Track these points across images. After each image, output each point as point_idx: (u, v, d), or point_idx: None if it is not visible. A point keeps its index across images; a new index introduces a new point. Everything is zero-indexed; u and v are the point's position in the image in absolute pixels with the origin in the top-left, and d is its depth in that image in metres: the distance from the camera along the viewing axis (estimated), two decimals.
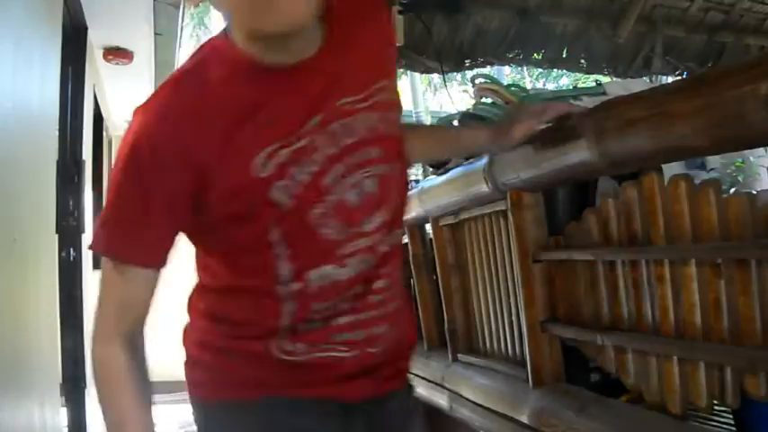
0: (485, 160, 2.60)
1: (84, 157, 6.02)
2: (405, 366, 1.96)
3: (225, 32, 1.61)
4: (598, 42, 5.23)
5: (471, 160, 2.82)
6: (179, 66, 1.66)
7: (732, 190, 3.58)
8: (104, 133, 9.34)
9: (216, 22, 15.36)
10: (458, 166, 3.02)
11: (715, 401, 1.82)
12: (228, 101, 1.57)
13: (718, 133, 1.60)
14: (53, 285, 4.57)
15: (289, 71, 1.59)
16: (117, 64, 7.44)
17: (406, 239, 3.85)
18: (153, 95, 1.65)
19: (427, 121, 10.45)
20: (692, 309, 1.84)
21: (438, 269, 3.29)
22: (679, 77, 5.50)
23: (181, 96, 1.59)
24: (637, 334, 2.02)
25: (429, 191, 3.27)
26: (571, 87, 10.24)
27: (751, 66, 1.51)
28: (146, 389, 1.79)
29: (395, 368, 1.89)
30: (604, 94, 2.96)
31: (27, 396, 3.38)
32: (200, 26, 16.30)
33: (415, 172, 10.63)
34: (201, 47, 1.67)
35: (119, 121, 10.33)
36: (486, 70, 5.64)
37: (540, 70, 13.82)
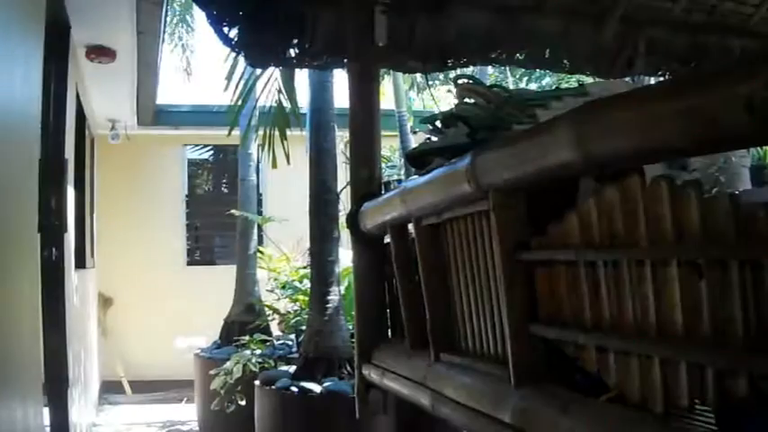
0: (467, 160, 2.60)
1: (66, 156, 6.02)
2: None
3: None
4: (580, 42, 5.24)
5: (454, 160, 2.83)
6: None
7: (714, 190, 3.59)
8: (86, 132, 9.34)
9: (199, 20, 15.31)
10: (440, 166, 3.03)
11: (696, 401, 1.83)
12: None
13: (700, 135, 1.60)
14: (35, 284, 4.56)
15: None
16: (100, 62, 7.45)
17: (387, 239, 3.86)
18: None
19: (410, 122, 10.45)
20: (673, 309, 1.84)
21: (420, 269, 3.29)
22: (662, 78, 5.52)
23: None
24: (618, 334, 2.03)
25: (411, 191, 3.27)
26: (554, 88, 10.27)
27: (733, 68, 1.52)
28: None
29: None
30: (587, 94, 2.96)
31: (9, 396, 3.38)
32: (181, 24, 16.20)
33: (397, 172, 10.67)
34: None
35: (101, 120, 10.33)
36: (469, 70, 5.65)
37: (522, 70, 13.81)
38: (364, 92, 4.38)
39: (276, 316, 8.89)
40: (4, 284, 3.40)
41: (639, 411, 1.93)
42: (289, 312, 8.57)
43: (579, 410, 2.12)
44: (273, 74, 7.67)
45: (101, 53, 7.28)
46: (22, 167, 3.94)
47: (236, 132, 8.82)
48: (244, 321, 8.91)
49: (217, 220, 12.66)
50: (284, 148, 7.85)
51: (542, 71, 12.10)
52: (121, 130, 10.85)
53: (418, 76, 9.76)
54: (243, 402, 7.10)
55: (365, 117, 4.36)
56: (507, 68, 12.48)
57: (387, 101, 9.89)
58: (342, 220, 6.28)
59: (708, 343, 1.76)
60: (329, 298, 6.35)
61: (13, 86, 3.65)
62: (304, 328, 7.02)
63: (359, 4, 4.37)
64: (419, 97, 15.59)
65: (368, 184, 4.24)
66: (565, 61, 5.36)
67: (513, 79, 15.39)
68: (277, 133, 7.86)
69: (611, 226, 2.04)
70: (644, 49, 5.31)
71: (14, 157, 3.70)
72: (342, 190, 6.82)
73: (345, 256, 6.88)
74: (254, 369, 7.09)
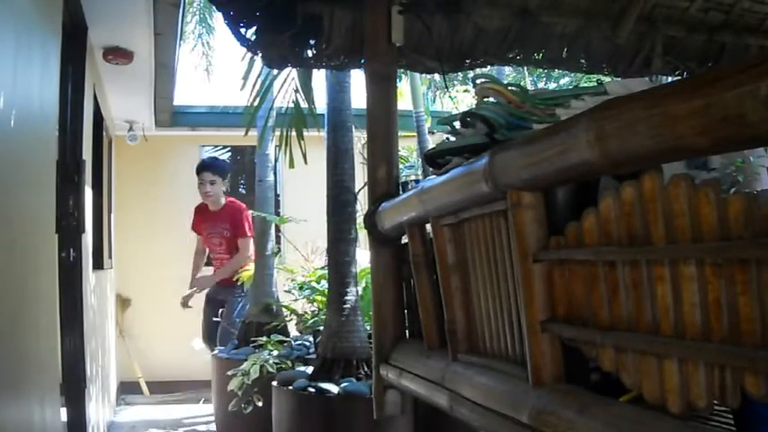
0: (485, 160, 2.60)
1: (84, 157, 6.03)
2: None
3: None
4: (598, 42, 5.23)
5: (471, 160, 2.83)
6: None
7: (732, 190, 3.58)
8: (104, 133, 9.37)
9: (218, 20, 15.31)
10: (458, 166, 3.02)
11: (715, 401, 1.82)
12: None
13: (718, 133, 1.60)
14: (53, 285, 4.58)
15: None
16: (117, 64, 7.48)
17: (405, 239, 3.86)
18: None
19: (428, 122, 10.43)
20: (691, 309, 1.84)
21: (438, 269, 3.28)
22: (679, 77, 5.50)
23: None
24: (636, 334, 2.02)
25: (429, 191, 3.27)
26: (572, 87, 10.25)
27: (751, 66, 1.51)
28: None
29: None
30: (606, 93, 2.96)
31: (27, 396, 3.39)
32: (201, 24, 16.22)
33: (415, 172, 10.64)
34: None
35: (119, 121, 10.36)
36: (486, 70, 5.65)
37: (540, 70, 13.78)
38: (381, 92, 4.39)
39: (293, 316, 8.90)
40: (23, 285, 3.41)
41: (657, 412, 1.92)
42: (306, 313, 8.57)
43: (597, 411, 2.12)
44: (290, 74, 7.67)
45: (118, 54, 7.31)
46: (39, 168, 3.96)
47: (254, 133, 8.81)
48: (261, 322, 8.91)
49: None
50: (301, 148, 7.84)
51: (560, 71, 12.06)
52: (139, 131, 10.88)
53: (436, 76, 9.72)
54: (260, 403, 7.10)
55: (383, 117, 4.36)
56: (525, 68, 12.44)
57: (404, 101, 9.86)
58: (359, 220, 6.27)
59: (726, 343, 1.76)
60: (347, 298, 6.34)
61: (31, 88, 3.66)
62: (321, 328, 7.01)
63: (376, 5, 4.37)
64: (438, 96, 15.57)
65: (385, 185, 4.25)
66: (582, 61, 5.34)
67: (530, 79, 15.36)
68: (294, 133, 7.86)
69: (629, 225, 2.04)
70: (661, 49, 5.29)
71: (32, 158, 3.72)
72: (359, 190, 6.81)
73: (363, 257, 6.88)
74: (271, 370, 7.08)
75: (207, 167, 9.61)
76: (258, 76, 8.08)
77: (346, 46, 4.66)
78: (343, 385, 5.91)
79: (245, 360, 7.55)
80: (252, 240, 9.39)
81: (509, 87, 3.41)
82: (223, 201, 9.63)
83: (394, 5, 4.31)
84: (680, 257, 1.86)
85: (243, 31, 4.49)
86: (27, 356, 3.44)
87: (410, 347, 3.92)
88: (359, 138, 8.20)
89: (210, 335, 9.61)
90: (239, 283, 9.45)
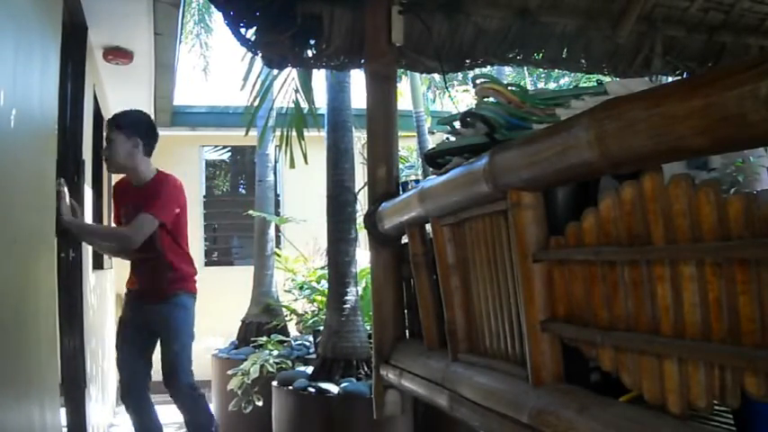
0: (485, 160, 2.60)
1: (84, 157, 6.02)
2: None
3: None
4: (598, 42, 5.22)
5: (471, 160, 2.82)
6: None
7: (732, 190, 3.58)
8: (104, 133, 9.35)
9: (217, 20, 15.33)
10: (458, 166, 3.02)
11: (715, 401, 1.82)
12: None
13: (718, 133, 1.60)
14: (53, 285, 4.57)
15: None
16: (117, 64, 7.47)
17: (405, 239, 3.86)
18: None
19: (428, 122, 10.45)
20: (691, 308, 1.84)
21: (438, 269, 3.28)
22: (679, 77, 5.50)
23: None
24: (636, 334, 2.02)
25: (429, 191, 3.26)
26: (572, 87, 10.25)
27: (751, 66, 1.50)
28: None
29: None
30: (606, 93, 2.95)
31: (26, 396, 3.38)
32: (199, 24, 16.26)
33: (415, 172, 10.63)
34: None
35: None
36: (487, 70, 5.64)
37: (540, 70, 13.79)
38: (382, 92, 4.38)
39: (294, 316, 8.90)
40: (22, 286, 3.41)
41: (657, 412, 1.92)
42: (306, 313, 8.58)
43: (597, 411, 2.11)
44: (291, 74, 7.68)
45: (118, 54, 7.30)
46: (39, 168, 3.95)
47: (254, 133, 8.81)
48: (261, 322, 8.92)
49: (235, 220, 12.69)
50: (302, 148, 7.85)
51: (560, 71, 12.06)
52: None
53: (436, 76, 9.72)
54: (260, 403, 7.10)
55: (382, 117, 4.36)
56: (525, 68, 12.43)
57: (404, 101, 9.87)
58: (359, 220, 6.28)
59: (726, 343, 1.75)
60: (347, 298, 6.34)
61: (31, 87, 3.65)
62: (321, 328, 7.02)
63: (376, 5, 4.37)
64: (438, 96, 15.60)
65: (385, 185, 4.25)
66: (582, 61, 5.34)
67: (530, 79, 15.37)
68: (294, 134, 7.86)
69: (629, 225, 2.03)
70: (661, 49, 5.29)
71: (32, 158, 3.71)
72: (359, 190, 6.82)
73: (363, 257, 6.88)
74: (271, 370, 7.09)
75: (107, 123, 6.09)
76: (258, 77, 8.09)
77: (346, 46, 4.65)
78: (343, 385, 5.91)
79: (245, 360, 7.56)
80: (156, 222, 5.64)
81: (509, 87, 3.41)
82: (141, 167, 5.81)
83: (394, 5, 4.31)
84: (680, 257, 1.86)
85: (243, 31, 4.49)
86: (27, 356, 3.44)
87: (410, 347, 3.92)
88: (359, 138, 8.21)
89: (136, 385, 6.00)
90: (175, 296, 5.85)
